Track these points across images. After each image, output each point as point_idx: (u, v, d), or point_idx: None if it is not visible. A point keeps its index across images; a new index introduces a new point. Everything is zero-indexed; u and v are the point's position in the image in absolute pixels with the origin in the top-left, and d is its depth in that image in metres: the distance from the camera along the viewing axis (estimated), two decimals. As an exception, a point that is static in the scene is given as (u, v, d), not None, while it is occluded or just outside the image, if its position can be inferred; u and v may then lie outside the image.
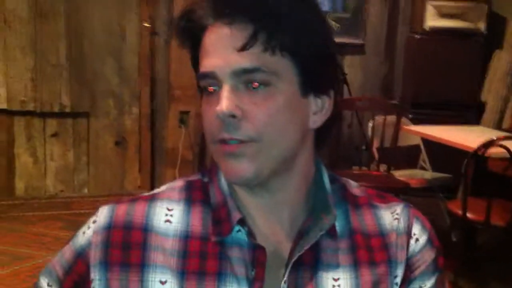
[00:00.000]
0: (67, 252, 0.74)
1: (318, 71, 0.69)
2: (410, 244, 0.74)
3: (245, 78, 0.66)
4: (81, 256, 0.72)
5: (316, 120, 0.71)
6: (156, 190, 0.76)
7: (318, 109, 0.71)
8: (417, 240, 0.75)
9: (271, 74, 0.65)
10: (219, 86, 0.67)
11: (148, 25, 3.52)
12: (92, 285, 0.70)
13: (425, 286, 0.75)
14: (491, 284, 2.82)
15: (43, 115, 3.78)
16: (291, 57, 0.66)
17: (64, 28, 3.71)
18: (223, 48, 0.66)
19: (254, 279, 0.68)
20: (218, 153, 0.68)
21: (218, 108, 0.65)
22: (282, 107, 0.66)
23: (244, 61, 0.65)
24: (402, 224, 0.75)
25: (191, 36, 0.69)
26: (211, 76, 0.67)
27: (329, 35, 0.71)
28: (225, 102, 0.65)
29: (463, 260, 2.66)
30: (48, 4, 3.66)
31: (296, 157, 0.70)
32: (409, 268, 0.74)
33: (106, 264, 0.70)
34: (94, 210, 0.75)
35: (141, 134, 3.98)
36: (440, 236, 0.78)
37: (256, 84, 0.66)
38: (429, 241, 0.76)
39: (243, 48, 0.64)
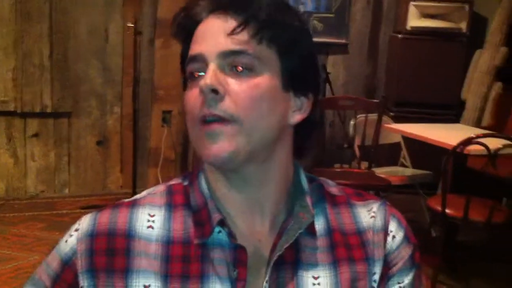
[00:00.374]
0: (53, 262, 0.73)
1: (299, 69, 0.71)
2: (387, 242, 0.76)
3: (231, 60, 0.68)
4: (68, 264, 0.72)
5: (294, 116, 0.73)
6: (137, 196, 0.77)
7: (297, 108, 0.73)
8: (394, 237, 0.76)
9: (255, 58, 0.68)
10: (205, 70, 0.69)
11: (132, 25, 3.50)
12: None
13: (403, 282, 0.76)
14: (470, 279, 2.86)
15: (24, 115, 3.74)
16: (276, 49, 0.70)
17: (47, 28, 3.67)
18: (213, 34, 0.69)
19: (237, 279, 0.69)
20: (199, 136, 0.69)
21: (202, 82, 0.67)
22: (264, 93, 0.69)
23: (231, 43, 0.68)
24: (378, 222, 0.77)
25: (186, 30, 0.72)
26: (198, 59, 0.69)
27: (312, 41, 0.75)
28: (209, 76, 0.67)
29: (443, 256, 2.70)
30: (32, 5, 3.62)
31: (275, 151, 0.72)
32: (387, 265, 0.75)
33: (93, 271, 0.70)
34: (75, 210, 0.75)
35: (123, 133, 3.95)
36: (420, 232, 0.79)
37: (241, 68, 0.68)
38: (406, 237, 0.77)
39: (232, 32, 0.68)
